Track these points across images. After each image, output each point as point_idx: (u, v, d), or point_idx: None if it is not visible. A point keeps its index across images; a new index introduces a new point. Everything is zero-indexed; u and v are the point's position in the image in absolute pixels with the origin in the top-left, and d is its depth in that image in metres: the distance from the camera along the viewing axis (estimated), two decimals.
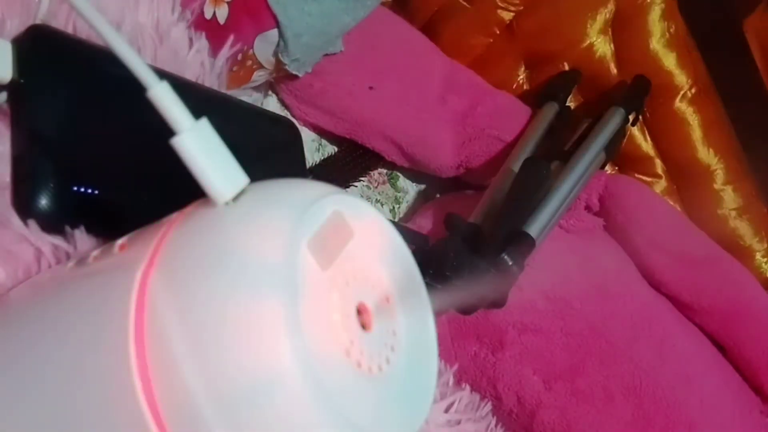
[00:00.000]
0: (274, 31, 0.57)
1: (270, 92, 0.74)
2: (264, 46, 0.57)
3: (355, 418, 0.20)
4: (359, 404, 0.21)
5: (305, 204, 0.21)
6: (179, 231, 0.21)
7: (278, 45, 0.57)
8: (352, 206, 0.23)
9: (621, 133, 0.78)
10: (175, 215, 0.23)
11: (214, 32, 0.52)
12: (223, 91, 0.50)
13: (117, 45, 0.21)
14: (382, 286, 0.24)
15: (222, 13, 0.53)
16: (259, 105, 0.70)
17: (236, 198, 0.22)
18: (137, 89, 0.22)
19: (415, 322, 0.24)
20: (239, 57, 0.56)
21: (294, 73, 0.60)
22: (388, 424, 0.22)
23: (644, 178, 0.84)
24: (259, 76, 0.60)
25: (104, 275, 0.24)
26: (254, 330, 0.19)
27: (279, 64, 0.60)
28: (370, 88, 0.72)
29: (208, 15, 0.52)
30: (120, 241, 0.24)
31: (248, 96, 0.65)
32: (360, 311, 0.22)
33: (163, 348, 0.20)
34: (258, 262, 0.20)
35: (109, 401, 0.21)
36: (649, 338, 0.66)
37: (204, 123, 0.22)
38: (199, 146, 0.21)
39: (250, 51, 0.57)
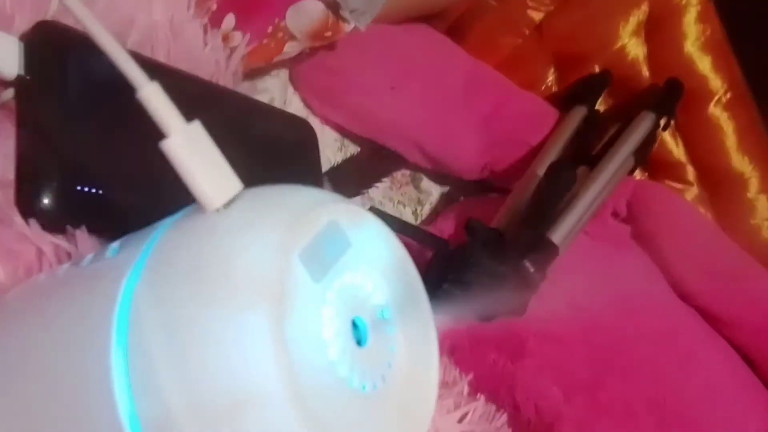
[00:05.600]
0: (308, 1, 0.55)
1: (294, 92, 0.74)
2: (297, 17, 0.56)
3: None
4: (349, 425, 0.20)
5: (298, 213, 0.20)
6: (166, 238, 0.21)
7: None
8: (350, 215, 0.22)
9: (651, 138, 0.76)
10: (165, 220, 0.22)
11: (245, 7, 0.51)
12: (240, 85, 0.49)
13: (105, 43, 0.20)
14: (380, 298, 0.23)
15: None
16: (281, 104, 0.70)
17: (227, 205, 0.21)
18: None
19: (415, 337, 0.23)
20: (270, 29, 0.55)
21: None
22: None
23: (675, 184, 0.81)
24: (291, 48, 0.59)
25: (93, 281, 0.23)
26: (236, 345, 0.18)
27: (312, 35, 0.58)
28: (392, 88, 0.71)
29: None
30: (113, 245, 0.24)
31: (268, 96, 0.65)
32: (355, 326, 0.21)
33: (144, 360, 0.19)
34: (244, 273, 0.19)
35: (89, 412, 0.20)
36: (674, 352, 0.63)
37: (196, 126, 0.21)
38: (189, 150, 0.20)
39: (282, 23, 0.56)
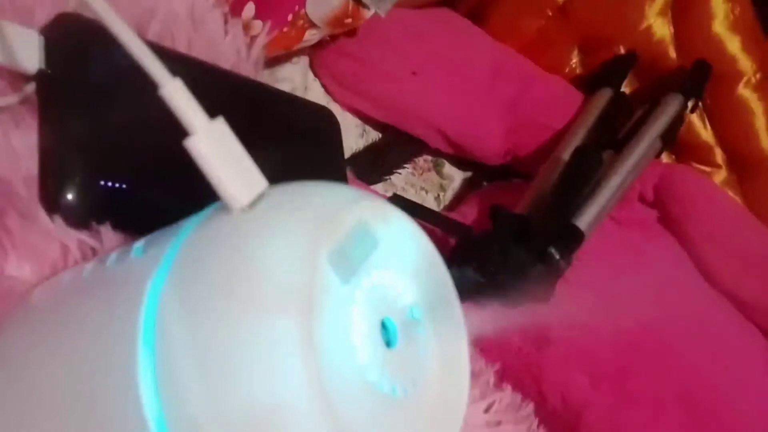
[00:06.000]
0: None
1: (314, 78, 0.73)
2: (317, 5, 0.56)
3: None
4: (380, 431, 0.19)
5: (326, 212, 0.20)
6: (192, 239, 0.20)
7: None
8: (378, 213, 0.22)
9: (679, 120, 0.74)
10: (191, 219, 0.22)
11: None
12: (260, 74, 0.48)
13: (126, 38, 0.19)
14: (410, 298, 0.22)
15: None
16: (302, 91, 0.69)
17: (253, 204, 0.20)
18: None
19: (446, 338, 0.23)
20: (290, 18, 0.55)
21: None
22: None
23: (703, 167, 0.80)
24: (311, 35, 0.59)
25: (118, 283, 0.22)
26: (264, 352, 0.17)
27: (333, 23, 0.58)
28: (414, 74, 0.70)
29: None
30: (137, 245, 0.23)
31: (290, 85, 0.64)
32: (384, 327, 0.21)
33: (171, 368, 0.19)
34: (271, 277, 0.18)
35: (116, 418, 0.20)
36: (704, 339, 0.62)
37: (219, 123, 0.20)
38: (213, 149, 0.20)
39: (302, 11, 0.55)
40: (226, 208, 0.20)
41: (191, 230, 0.21)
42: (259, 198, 0.20)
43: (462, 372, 0.23)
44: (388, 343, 0.21)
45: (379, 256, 0.21)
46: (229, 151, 0.20)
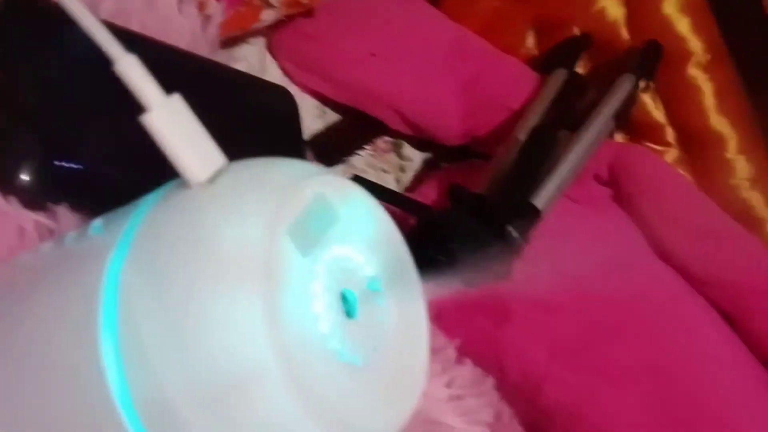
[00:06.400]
0: None
1: (272, 60, 0.73)
2: None
3: (338, 412, 0.19)
4: (343, 397, 0.20)
5: (285, 186, 0.20)
6: (151, 214, 0.20)
7: None
8: (337, 187, 0.22)
9: (631, 100, 0.76)
10: (150, 196, 0.22)
11: None
12: (217, 54, 0.48)
13: (78, 14, 0.19)
14: (369, 271, 0.23)
15: None
16: (259, 72, 0.69)
17: (212, 179, 0.20)
18: None
19: (404, 309, 0.23)
20: None
21: None
22: (374, 415, 0.21)
23: (655, 146, 0.81)
24: (267, 15, 0.58)
25: (77, 260, 0.22)
26: (228, 323, 0.18)
27: (289, 2, 0.57)
28: (372, 55, 0.70)
29: None
30: (95, 223, 0.23)
31: (246, 65, 0.64)
32: (345, 298, 0.21)
33: (134, 341, 0.19)
34: (233, 249, 0.18)
35: (82, 397, 0.20)
36: (664, 314, 0.64)
37: (176, 99, 0.21)
38: (170, 124, 0.20)
39: None
40: (185, 184, 0.20)
41: (151, 206, 0.21)
42: (218, 173, 0.21)
43: (421, 340, 0.23)
44: (349, 314, 0.21)
45: (338, 231, 0.22)
46: (186, 127, 0.20)
